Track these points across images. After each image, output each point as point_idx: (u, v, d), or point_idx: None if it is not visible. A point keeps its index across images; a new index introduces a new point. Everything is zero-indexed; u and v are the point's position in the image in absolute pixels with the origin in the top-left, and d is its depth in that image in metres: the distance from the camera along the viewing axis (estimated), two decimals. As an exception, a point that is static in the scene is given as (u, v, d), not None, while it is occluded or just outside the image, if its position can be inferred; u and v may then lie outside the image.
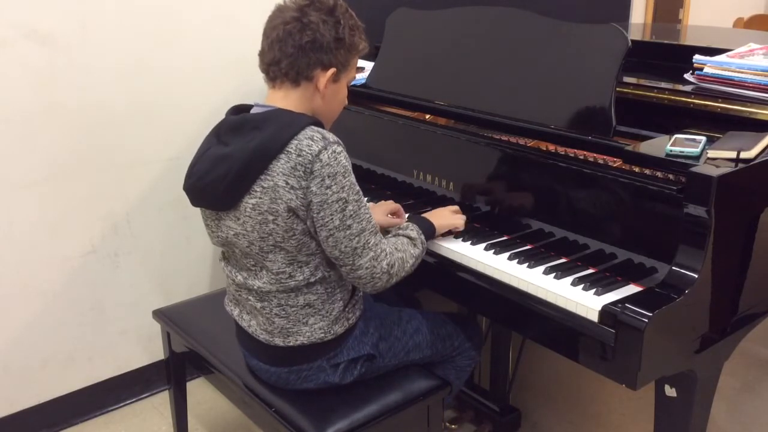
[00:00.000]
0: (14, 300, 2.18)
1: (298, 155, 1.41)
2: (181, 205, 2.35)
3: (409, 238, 1.62)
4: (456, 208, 1.81)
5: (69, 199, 2.20)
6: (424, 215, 1.74)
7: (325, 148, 1.42)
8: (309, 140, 1.42)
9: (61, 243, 2.22)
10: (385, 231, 1.79)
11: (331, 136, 1.46)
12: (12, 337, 2.20)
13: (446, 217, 1.76)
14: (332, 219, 1.44)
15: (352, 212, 1.46)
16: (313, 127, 1.46)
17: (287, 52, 1.48)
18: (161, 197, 2.38)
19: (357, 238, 1.47)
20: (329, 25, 1.48)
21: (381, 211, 1.86)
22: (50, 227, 2.18)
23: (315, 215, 1.44)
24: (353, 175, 1.48)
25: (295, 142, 1.42)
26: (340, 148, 1.45)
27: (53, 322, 2.26)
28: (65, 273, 2.26)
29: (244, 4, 2.39)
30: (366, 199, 2.00)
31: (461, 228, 1.77)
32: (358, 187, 1.48)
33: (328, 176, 1.42)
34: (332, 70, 1.51)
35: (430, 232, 1.69)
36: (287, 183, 1.42)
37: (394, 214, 1.86)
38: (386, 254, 1.52)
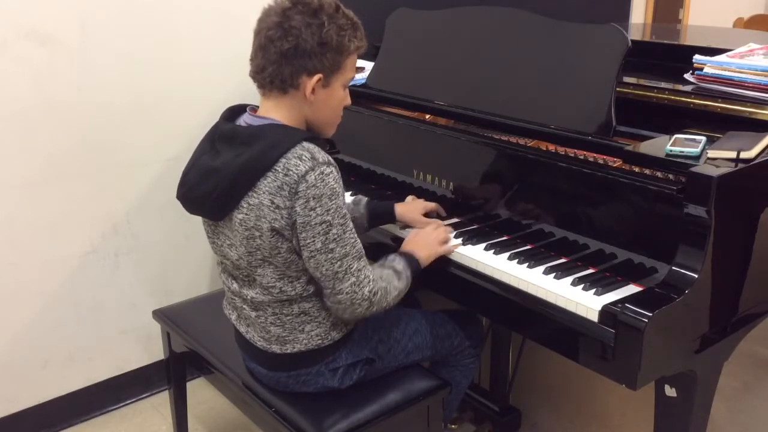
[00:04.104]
0: (14, 300, 2.18)
1: (285, 174, 1.38)
2: (180, 206, 2.35)
3: (395, 270, 1.58)
4: (438, 225, 1.76)
5: (69, 199, 2.20)
6: (410, 245, 1.68)
7: (313, 169, 1.38)
8: (297, 159, 1.39)
9: (61, 243, 2.22)
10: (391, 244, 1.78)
11: (322, 156, 1.41)
12: (12, 337, 2.20)
13: (431, 248, 1.68)
14: (314, 241, 1.41)
15: (335, 236, 1.42)
16: (304, 144, 1.41)
17: (270, 60, 1.43)
18: (161, 197, 2.38)
19: (339, 263, 1.44)
20: (313, 29, 1.41)
21: (419, 208, 1.84)
22: (50, 227, 2.18)
23: (298, 235, 1.42)
24: (342, 198, 1.44)
25: (283, 160, 1.39)
26: (329, 169, 1.40)
27: (53, 322, 2.26)
28: (65, 273, 2.26)
29: (244, 2, 2.38)
30: (366, 199, 2.01)
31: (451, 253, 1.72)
32: (345, 211, 1.45)
33: (313, 198, 1.38)
34: (318, 76, 1.44)
35: (416, 267, 1.63)
36: (272, 202, 1.40)
37: (427, 215, 1.83)
38: (369, 281, 1.48)
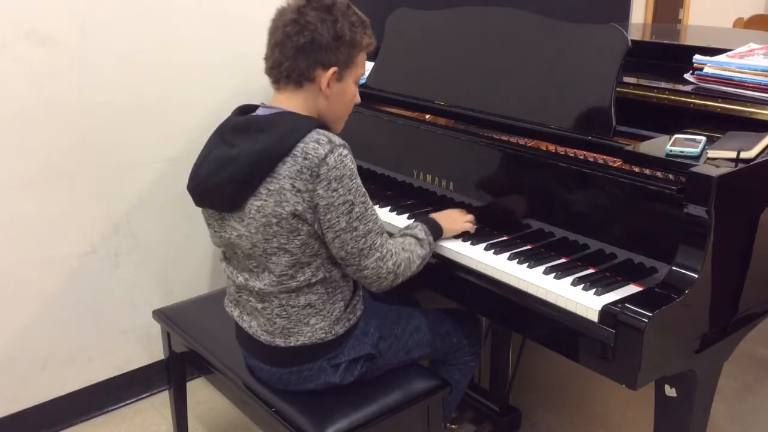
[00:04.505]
0: (14, 300, 2.17)
1: (305, 158, 1.42)
2: (181, 205, 2.35)
3: (417, 238, 1.63)
4: (464, 211, 1.80)
5: (69, 199, 2.20)
6: (433, 216, 1.74)
7: (332, 152, 1.42)
8: (315, 143, 1.43)
9: (61, 243, 2.22)
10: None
11: (338, 139, 1.46)
12: (12, 337, 2.20)
13: (456, 221, 1.75)
14: (339, 221, 1.45)
15: (358, 214, 1.46)
16: (319, 130, 1.46)
17: (287, 54, 1.49)
18: (161, 197, 2.38)
19: (363, 239, 1.48)
20: (327, 24, 1.48)
21: None
22: (50, 227, 2.18)
23: (322, 217, 1.45)
24: (359, 177, 1.48)
25: (301, 145, 1.43)
26: (346, 151, 1.45)
27: (53, 322, 2.26)
28: (65, 273, 2.26)
29: (245, 3, 2.39)
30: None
31: (471, 232, 1.77)
32: (364, 189, 1.49)
33: (335, 179, 1.42)
34: (333, 69, 1.50)
35: (438, 233, 1.69)
36: (293, 186, 1.43)
37: None
38: (392, 254, 1.53)
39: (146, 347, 2.49)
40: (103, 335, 2.38)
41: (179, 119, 2.35)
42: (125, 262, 2.38)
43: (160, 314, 2.02)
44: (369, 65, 2.27)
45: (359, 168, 2.16)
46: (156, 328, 2.05)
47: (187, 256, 2.52)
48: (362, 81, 2.22)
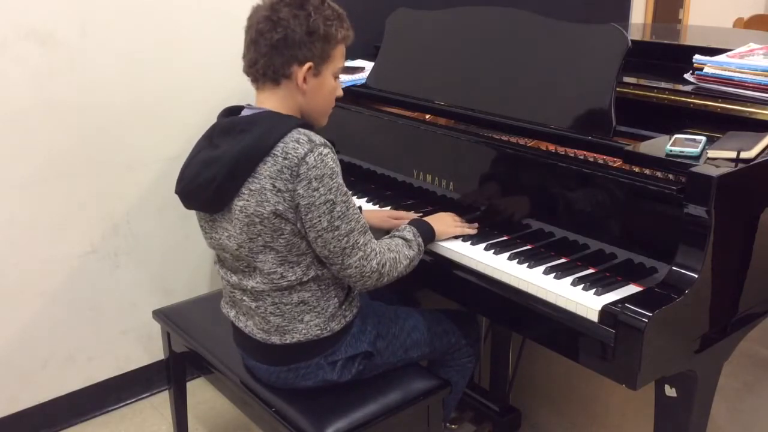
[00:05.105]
0: (14, 300, 2.18)
1: (284, 158, 1.42)
2: (180, 205, 2.34)
3: (405, 239, 1.62)
4: (457, 216, 1.80)
5: (69, 199, 2.20)
6: (426, 219, 1.74)
7: (311, 151, 1.42)
8: (295, 143, 1.42)
9: (61, 243, 2.22)
10: (383, 232, 1.79)
11: (318, 139, 1.45)
12: (12, 337, 2.20)
13: (448, 224, 1.75)
14: (320, 221, 1.44)
15: (340, 213, 1.46)
16: (300, 129, 1.45)
17: (262, 52, 1.49)
18: (161, 197, 2.38)
19: (346, 239, 1.47)
20: (300, 19, 1.47)
21: (387, 214, 1.88)
22: (50, 227, 2.18)
23: (303, 217, 1.44)
24: (341, 177, 1.47)
25: (281, 145, 1.42)
26: (326, 150, 1.44)
27: (53, 322, 2.26)
28: (65, 273, 2.26)
29: (245, 3, 2.38)
30: (365, 199, 2.01)
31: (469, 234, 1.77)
32: (345, 189, 1.48)
33: (315, 178, 1.41)
34: (309, 65, 1.49)
35: (429, 235, 1.68)
36: (274, 186, 1.42)
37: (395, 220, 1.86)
38: (376, 253, 1.52)
39: (146, 347, 2.49)
40: (103, 335, 2.38)
41: (179, 119, 2.35)
42: (125, 262, 2.38)
43: (160, 314, 2.02)
44: (369, 65, 2.27)
45: (359, 168, 2.18)
46: (156, 328, 2.05)
47: (186, 256, 2.52)
48: (362, 81, 2.23)
